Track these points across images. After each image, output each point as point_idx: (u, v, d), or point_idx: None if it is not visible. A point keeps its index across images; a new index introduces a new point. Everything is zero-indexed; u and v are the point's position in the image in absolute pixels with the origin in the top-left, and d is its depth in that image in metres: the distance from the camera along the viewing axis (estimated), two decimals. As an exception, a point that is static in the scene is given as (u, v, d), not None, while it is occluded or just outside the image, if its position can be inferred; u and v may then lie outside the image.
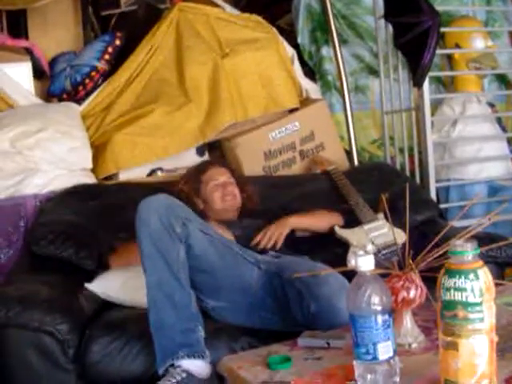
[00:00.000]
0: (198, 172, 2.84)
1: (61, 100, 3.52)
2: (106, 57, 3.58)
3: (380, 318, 1.35)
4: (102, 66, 3.56)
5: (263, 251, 2.46)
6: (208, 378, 1.99)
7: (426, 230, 2.76)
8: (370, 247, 2.53)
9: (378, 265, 1.46)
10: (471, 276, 1.24)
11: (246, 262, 2.31)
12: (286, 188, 3.13)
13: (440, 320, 1.29)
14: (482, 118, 3.91)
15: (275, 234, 2.57)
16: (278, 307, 2.21)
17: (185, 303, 2.07)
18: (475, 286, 1.24)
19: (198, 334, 2.04)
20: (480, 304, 1.24)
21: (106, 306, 2.50)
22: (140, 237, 2.10)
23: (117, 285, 2.50)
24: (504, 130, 4.08)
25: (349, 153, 3.70)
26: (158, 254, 2.06)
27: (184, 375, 1.95)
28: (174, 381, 1.93)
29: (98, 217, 2.84)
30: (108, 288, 2.51)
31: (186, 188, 2.79)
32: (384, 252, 2.58)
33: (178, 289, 2.07)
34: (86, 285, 2.49)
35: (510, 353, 1.47)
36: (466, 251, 1.26)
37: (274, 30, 3.70)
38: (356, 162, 3.70)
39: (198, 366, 1.98)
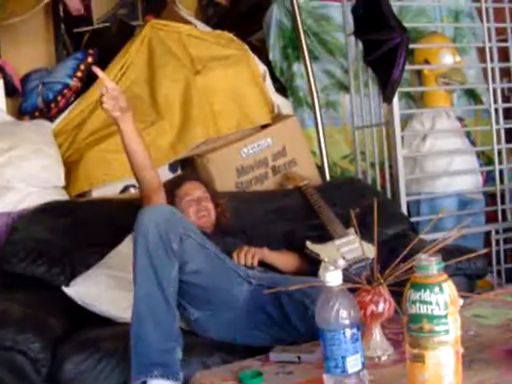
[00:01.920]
0: (172, 187, 2.83)
1: (33, 117, 3.50)
2: (79, 74, 3.58)
3: (348, 332, 1.37)
4: (74, 83, 3.56)
5: (251, 266, 2.48)
6: None
7: (397, 244, 2.78)
8: (340, 262, 2.56)
9: (347, 279, 1.48)
10: (436, 289, 1.27)
11: (236, 277, 2.33)
12: (259, 204, 3.15)
13: (406, 333, 1.31)
14: (451, 133, 3.96)
15: (249, 252, 2.57)
16: (261, 323, 2.23)
17: (168, 322, 2.08)
18: (440, 299, 1.26)
19: (175, 356, 2.05)
20: (445, 316, 1.27)
21: (79, 323, 2.49)
22: (136, 246, 2.10)
23: (94, 292, 2.50)
24: (473, 143, 4.14)
25: (321, 168, 3.73)
26: (151, 268, 2.07)
27: None
28: None
29: (70, 234, 2.84)
30: (84, 294, 2.50)
31: None
32: (355, 267, 2.60)
33: (164, 307, 2.08)
34: (64, 288, 2.49)
35: (477, 363, 1.50)
36: (431, 265, 1.29)
37: (246, 46, 3.72)
38: (328, 177, 3.72)
39: None
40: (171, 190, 2.80)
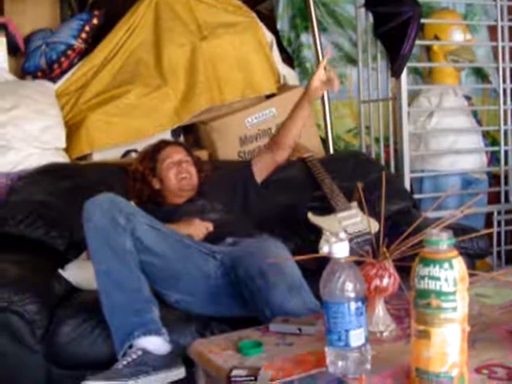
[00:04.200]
0: (153, 151, 2.79)
1: (35, 77, 3.45)
2: (83, 35, 3.53)
3: (353, 305, 1.35)
4: (78, 44, 3.50)
5: (219, 238, 2.43)
6: (167, 354, 1.99)
7: (400, 220, 2.77)
8: (342, 235, 2.53)
9: (352, 252, 1.45)
10: (446, 265, 1.24)
11: (200, 253, 2.29)
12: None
13: (413, 308, 1.29)
14: (458, 111, 3.92)
15: None
16: (238, 296, 2.20)
17: (135, 287, 2.08)
18: (449, 275, 1.24)
19: (152, 314, 2.05)
20: (453, 293, 1.24)
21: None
22: (86, 232, 2.11)
23: (89, 274, 2.47)
24: (479, 123, 4.10)
25: (324, 141, 3.70)
26: (105, 245, 2.07)
27: (140, 353, 1.96)
28: (129, 360, 1.94)
29: (69, 197, 2.80)
30: (79, 276, 2.49)
31: (141, 167, 2.75)
32: (356, 241, 2.58)
33: (127, 274, 2.08)
34: (59, 271, 2.47)
35: (480, 343, 1.48)
36: (441, 240, 1.26)
37: (254, 14, 3.68)
38: (331, 151, 3.70)
39: (154, 344, 1.99)
40: (152, 154, 2.77)
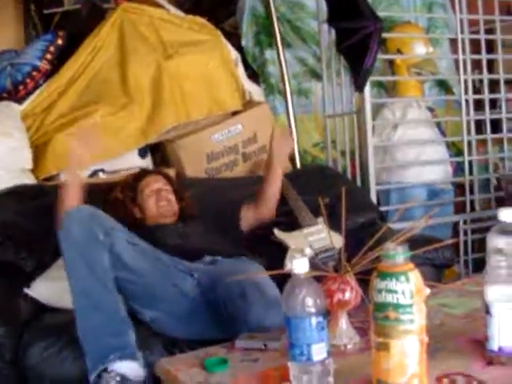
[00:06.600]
0: (133, 180, 2.81)
1: (0, 99, 3.44)
2: (48, 56, 3.53)
3: (314, 320, 1.37)
4: (43, 65, 3.50)
5: (198, 257, 2.45)
6: (143, 381, 1.98)
7: (365, 233, 2.78)
8: (307, 251, 2.55)
9: (313, 268, 1.48)
10: (402, 278, 1.27)
11: (177, 271, 2.30)
12: (228, 190, 3.14)
13: (372, 321, 1.31)
14: (422, 123, 3.97)
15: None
16: (214, 317, 2.20)
17: (113, 308, 2.08)
18: (406, 288, 1.26)
19: (128, 337, 2.04)
20: (410, 306, 1.27)
21: (47, 308, 2.47)
22: (63, 247, 2.10)
23: (55, 289, 2.48)
24: (443, 134, 4.16)
25: (291, 155, 3.72)
26: (82, 262, 2.06)
27: (118, 379, 1.95)
28: None
29: (37, 217, 2.80)
30: (46, 293, 2.48)
31: (121, 196, 2.76)
32: (321, 256, 2.60)
33: (105, 294, 2.07)
34: (26, 290, 2.46)
35: (442, 352, 1.50)
36: (397, 254, 1.28)
37: (219, 32, 3.71)
38: (298, 165, 3.73)
39: (131, 369, 1.98)
40: (132, 183, 2.79)
